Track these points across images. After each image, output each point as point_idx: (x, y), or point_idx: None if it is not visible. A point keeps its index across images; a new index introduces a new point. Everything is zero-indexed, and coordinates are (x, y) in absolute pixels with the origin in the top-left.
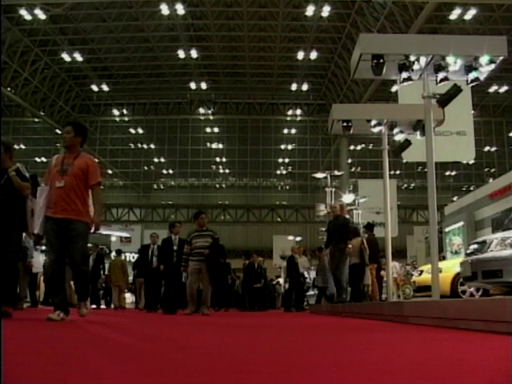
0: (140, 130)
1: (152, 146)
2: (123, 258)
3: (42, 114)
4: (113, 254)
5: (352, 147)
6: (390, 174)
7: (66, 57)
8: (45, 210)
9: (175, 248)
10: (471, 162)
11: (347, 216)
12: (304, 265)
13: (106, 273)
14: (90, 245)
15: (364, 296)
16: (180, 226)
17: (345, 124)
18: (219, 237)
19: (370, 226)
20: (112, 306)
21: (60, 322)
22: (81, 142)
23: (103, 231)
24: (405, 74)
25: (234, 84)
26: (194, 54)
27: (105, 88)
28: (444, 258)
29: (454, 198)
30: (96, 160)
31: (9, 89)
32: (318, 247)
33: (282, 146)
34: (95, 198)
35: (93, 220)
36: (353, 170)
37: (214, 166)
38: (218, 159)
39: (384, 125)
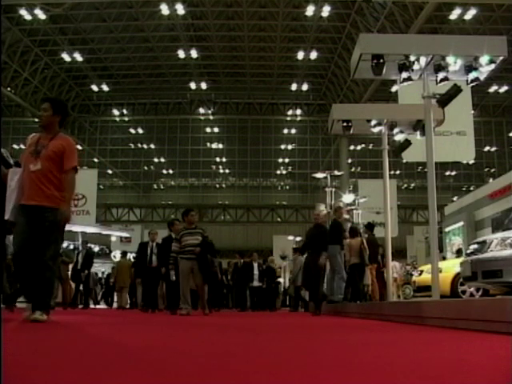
0: (140, 130)
1: (152, 146)
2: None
3: None
4: (113, 254)
5: (352, 147)
6: (390, 174)
7: (66, 57)
8: (17, 195)
9: None
10: (471, 162)
11: (347, 216)
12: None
13: (112, 273)
14: (79, 242)
15: (364, 296)
16: (179, 223)
17: (345, 124)
18: (220, 237)
19: (370, 226)
20: (114, 306)
21: (43, 322)
22: (60, 121)
23: (103, 231)
24: (405, 74)
25: (234, 84)
26: (194, 54)
27: (105, 88)
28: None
29: (454, 198)
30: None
31: (9, 89)
32: (293, 248)
33: (282, 146)
34: (66, 184)
35: (62, 211)
36: (353, 170)
37: (214, 166)
38: (218, 159)
39: (384, 125)
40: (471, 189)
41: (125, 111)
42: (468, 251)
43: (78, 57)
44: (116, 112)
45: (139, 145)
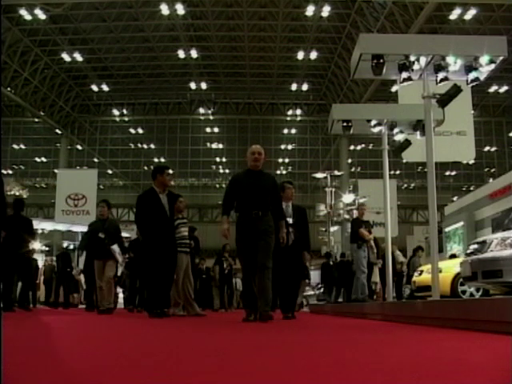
0: (140, 130)
1: (152, 146)
2: None
3: (42, 114)
4: None
5: (352, 147)
6: (390, 174)
7: (66, 57)
8: None
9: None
10: (471, 162)
11: (351, 216)
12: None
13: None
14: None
15: (372, 294)
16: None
17: (345, 124)
18: (219, 237)
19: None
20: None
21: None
22: None
23: None
24: (405, 74)
25: (234, 84)
26: (194, 53)
27: (105, 88)
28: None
29: (454, 198)
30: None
31: (9, 89)
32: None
33: (282, 146)
34: None
35: None
36: (353, 170)
37: (213, 166)
38: (218, 159)
39: (384, 125)
40: (471, 189)
41: (125, 111)
42: (468, 251)
43: (78, 57)
44: (116, 112)
45: (139, 145)
